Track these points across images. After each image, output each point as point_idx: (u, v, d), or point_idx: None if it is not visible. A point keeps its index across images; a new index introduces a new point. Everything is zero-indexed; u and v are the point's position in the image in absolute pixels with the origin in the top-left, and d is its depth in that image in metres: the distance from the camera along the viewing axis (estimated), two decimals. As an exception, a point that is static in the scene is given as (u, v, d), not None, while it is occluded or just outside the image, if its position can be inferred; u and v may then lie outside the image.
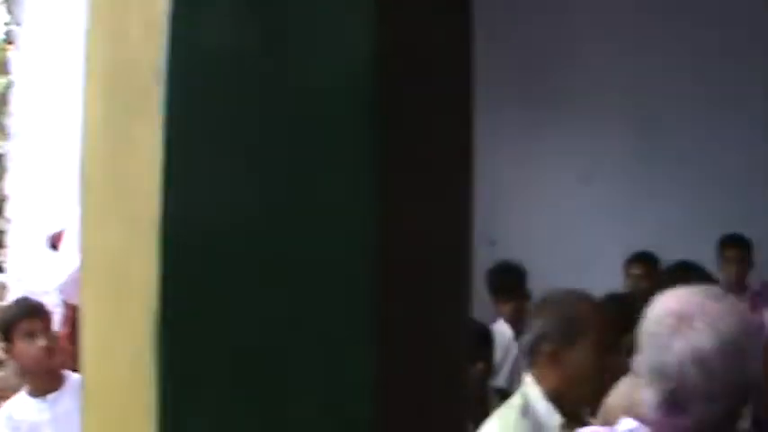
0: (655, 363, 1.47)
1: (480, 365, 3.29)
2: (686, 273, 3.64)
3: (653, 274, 4.79)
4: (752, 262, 5.24)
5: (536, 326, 2.34)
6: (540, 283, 4.18)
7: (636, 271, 4.96)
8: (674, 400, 1.44)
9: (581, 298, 2.35)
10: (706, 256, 4.99)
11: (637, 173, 5.95)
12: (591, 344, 2.25)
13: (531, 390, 2.29)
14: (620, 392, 2.30)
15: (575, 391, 2.22)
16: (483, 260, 4.93)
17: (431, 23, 0.87)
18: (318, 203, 0.80)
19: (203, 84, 0.81)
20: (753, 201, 5.79)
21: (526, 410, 2.25)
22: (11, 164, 6.73)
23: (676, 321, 1.45)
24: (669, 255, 4.51)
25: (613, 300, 3.35)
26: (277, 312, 0.81)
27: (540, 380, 2.28)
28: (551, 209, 5.87)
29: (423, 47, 0.86)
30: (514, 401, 2.32)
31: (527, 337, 2.35)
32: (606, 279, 4.52)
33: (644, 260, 5.01)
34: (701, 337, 1.42)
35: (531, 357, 2.34)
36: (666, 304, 1.49)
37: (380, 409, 0.80)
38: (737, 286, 5.13)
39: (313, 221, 0.80)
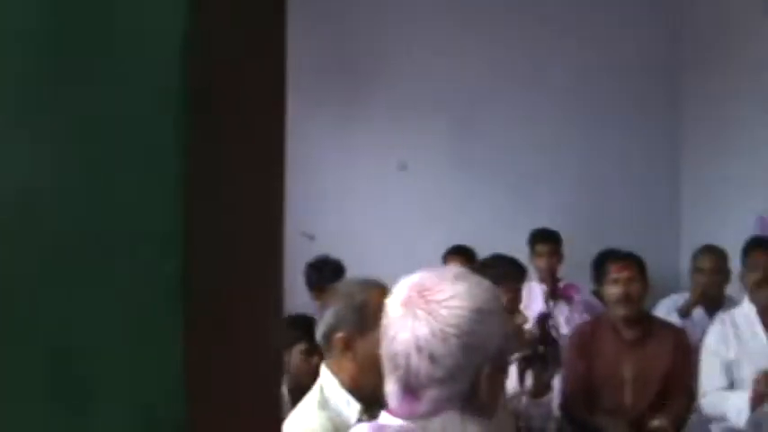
0: (387, 352, 1.49)
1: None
2: (500, 265, 3.74)
3: (469, 266, 4.90)
4: (561, 255, 5.46)
5: (328, 316, 2.30)
6: (359, 275, 4.19)
7: (453, 264, 5.06)
8: (408, 388, 1.45)
9: (372, 285, 2.30)
10: (521, 249, 5.21)
11: (453, 168, 6.08)
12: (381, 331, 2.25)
13: (327, 381, 2.27)
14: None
15: (370, 378, 2.12)
16: (303, 254, 4.92)
17: (243, 15, 0.84)
18: (117, 196, 0.75)
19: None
20: (563, 197, 6.05)
21: (324, 403, 2.23)
22: None
23: (402, 309, 1.46)
24: (486, 248, 4.62)
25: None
26: (72, 309, 0.76)
27: (335, 370, 2.27)
28: (370, 203, 5.91)
29: (234, 38, 0.83)
30: (312, 395, 2.29)
31: (320, 328, 2.31)
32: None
33: (461, 253, 5.12)
34: (421, 325, 1.43)
35: (326, 348, 2.31)
36: (395, 294, 1.51)
37: (189, 408, 0.76)
38: (549, 278, 5.36)
39: (111, 214, 0.75)
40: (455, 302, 1.44)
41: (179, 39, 0.74)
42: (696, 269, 4.86)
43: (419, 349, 1.43)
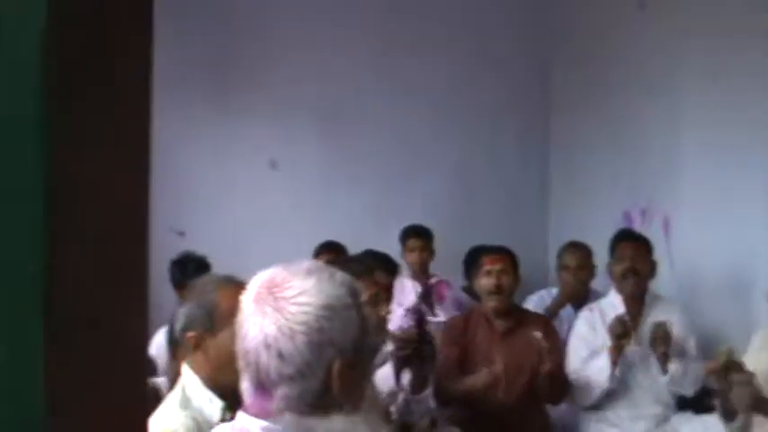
0: (240, 349, 1.48)
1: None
2: (363, 259, 3.71)
3: (333, 261, 4.82)
4: (433, 251, 5.45)
5: (180, 314, 2.27)
6: (229, 272, 4.08)
7: (324, 260, 4.97)
8: (260, 385, 1.45)
9: (225, 283, 2.25)
10: (393, 245, 5.18)
11: (325, 165, 6.02)
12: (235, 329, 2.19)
13: (188, 379, 2.22)
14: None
15: (227, 376, 2.07)
16: (174, 251, 4.78)
17: (107, 15, 0.82)
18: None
19: None
20: (434, 193, 6.05)
21: (186, 402, 2.18)
22: None
23: (252, 306, 1.45)
24: (358, 244, 4.56)
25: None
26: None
27: (194, 368, 2.22)
28: (243, 200, 5.80)
29: (96, 37, 0.81)
30: (174, 394, 2.23)
31: (176, 326, 2.28)
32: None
33: (331, 249, 5.05)
34: (269, 322, 1.42)
35: (182, 346, 2.27)
36: (248, 290, 1.49)
37: (50, 406, 0.76)
38: (420, 273, 5.35)
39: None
40: (303, 299, 1.43)
41: (38, 38, 0.73)
42: (562, 267, 4.93)
43: (267, 347, 1.42)
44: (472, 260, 4.83)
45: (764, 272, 3.77)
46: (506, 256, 4.14)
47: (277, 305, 1.43)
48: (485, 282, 4.09)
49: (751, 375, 3.45)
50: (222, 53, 5.74)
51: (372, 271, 3.33)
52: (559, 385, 4.04)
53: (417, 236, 5.46)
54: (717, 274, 4.74)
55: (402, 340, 3.32)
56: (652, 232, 4.98)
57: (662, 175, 5.19)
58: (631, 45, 5.44)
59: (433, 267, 5.48)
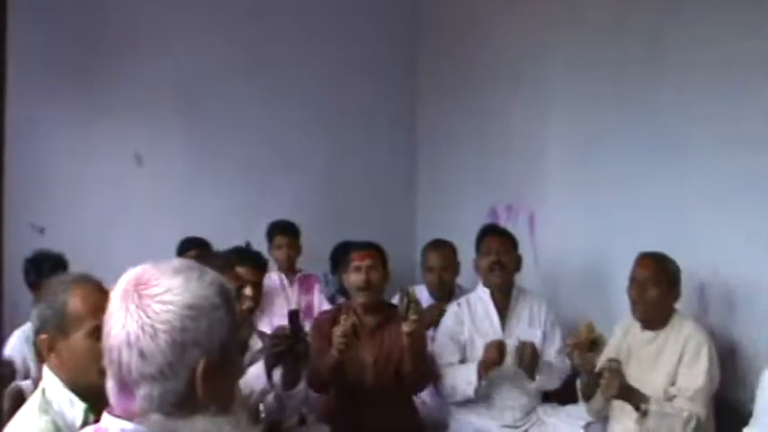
0: (105, 346, 1.44)
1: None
2: (223, 255, 3.68)
3: (194, 256, 4.73)
4: (300, 246, 5.40)
5: (33, 315, 2.20)
6: (91, 269, 3.95)
7: (189, 256, 4.84)
8: (122, 384, 1.42)
9: (78, 282, 2.20)
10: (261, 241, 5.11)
11: (192, 161, 5.90)
12: (88, 330, 2.12)
13: (49, 382, 2.16)
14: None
15: (86, 377, 2.09)
16: (32, 248, 4.59)
17: None
18: None
19: None
20: (303, 190, 6.01)
21: (46, 406, 2.11)
22: None
23: (118, 303, 1.42)
24: (225, 240, 4.49)
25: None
26: None
27: (54, 370, 2.16)
28: (106, 193, 5.63)
29: None
30: (33, 399, 2.15)
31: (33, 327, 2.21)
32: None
33: (196, 245, 4.93)
34: (132, 320, 1.39)
35: (38, 348, 2.21)
36: (117, 287, 1.46)
37: None
38: (288, 269, 5.29)
39: None
40: (167, 297, 1.40)
41: None
42: (426, 268, 4.92)
43: (129, 345, 1.39)
44: (339, 256, 4.80)
45: (624, 264, 3.87)
46: (375, 251, 4.12)
47: (141, 303, 1.40)
48: (354, 278, 4.08)
49: (619, 364, 3.57)
50: (86, 47, 5.58)
51: (233, 266, 3.30)
52: (423, 369, 4.06)
53: (284, 232, 5.40)
54: (578, 268, 4.86)
55: (276, 337, 3.31)
56: (518, 228, 5.08)
57: (528, 172, 5.29)
58: (499, 37, 5.51)
59: (302, 263, 5.44)
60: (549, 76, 5.07)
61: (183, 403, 1.40)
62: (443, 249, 4.90)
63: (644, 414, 3.56)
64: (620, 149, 4.54)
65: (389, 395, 3.99)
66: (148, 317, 1.39)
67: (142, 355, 1.38)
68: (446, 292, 4.82)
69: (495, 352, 4.08)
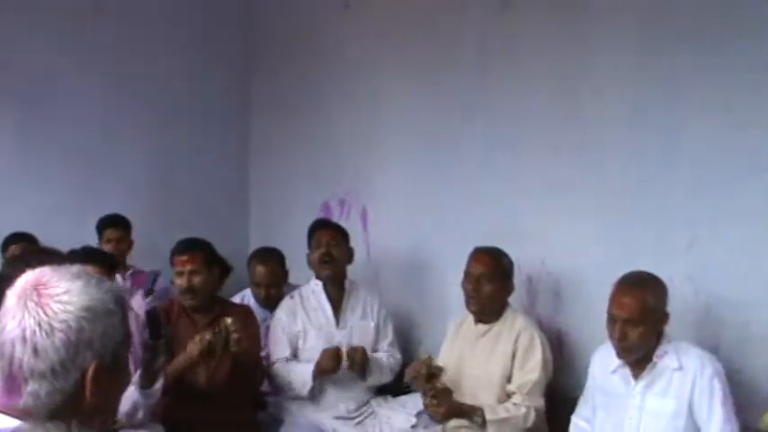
0: None
1: None
2: (83, 255, 3.55)
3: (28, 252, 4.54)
4: (131, 241, 5.29)
5: None
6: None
7: (14, 251, 4.64)
8: (11, 379, 1.43)
9: None
10: (89, 236, 4.95)
11: (19, 152, 5.70)
12: None
13: None
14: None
15: None
16: None
17: None
18: None
19: None
20: (135, 186, 5.88)
21: None
22: None
23: (15, 300, 1.44)
24: (52, 235, 4.32)
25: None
26: None
27: None
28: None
29: None
30: None
31: None
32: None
33: (22, 239, 4.75)
34: (30, 317, 1.42)
35: None
36: (15, 285, 1.47)
37: None
38: (120, 265, 5.14)
39: None
40: (66, 297, 1.43)
41: None
42: (253, 281, 4.86)
43: (24, 341, 1.41)
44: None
45: (457, 258, 3.97)
46: (197, 253, 4.07)
47: (40, 301, 1.42)
48: (177, 281, 4.08)
49: (441, 369, 3.68)
50: None
51: (80, 264, 3.19)
52: (254, 369, 4.10)
53: (114, 226, 5.27)
54: (409, 261, 4.98)
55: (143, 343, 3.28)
56: (350, 222, 5.14)
57: (360, 168, 5.36)
58: (335, 42, 5.55)
59: (133, 258, 5.35)
60: (383, 77, 5.15)
61: (67, 405, 1.42)
62: (270, 263, 4.83)
63: (482, 425, 3.67)
64: (455, 150, 4.65)
65: (223, 392, 3.98)
66: (46, 315, 1.41)
67: (36, 351, 1.40)
68: (274, 302, 4.66)
69: (331, 362, 4.15)
